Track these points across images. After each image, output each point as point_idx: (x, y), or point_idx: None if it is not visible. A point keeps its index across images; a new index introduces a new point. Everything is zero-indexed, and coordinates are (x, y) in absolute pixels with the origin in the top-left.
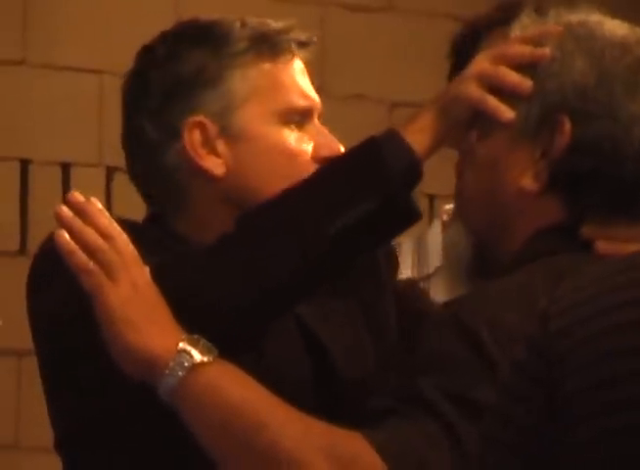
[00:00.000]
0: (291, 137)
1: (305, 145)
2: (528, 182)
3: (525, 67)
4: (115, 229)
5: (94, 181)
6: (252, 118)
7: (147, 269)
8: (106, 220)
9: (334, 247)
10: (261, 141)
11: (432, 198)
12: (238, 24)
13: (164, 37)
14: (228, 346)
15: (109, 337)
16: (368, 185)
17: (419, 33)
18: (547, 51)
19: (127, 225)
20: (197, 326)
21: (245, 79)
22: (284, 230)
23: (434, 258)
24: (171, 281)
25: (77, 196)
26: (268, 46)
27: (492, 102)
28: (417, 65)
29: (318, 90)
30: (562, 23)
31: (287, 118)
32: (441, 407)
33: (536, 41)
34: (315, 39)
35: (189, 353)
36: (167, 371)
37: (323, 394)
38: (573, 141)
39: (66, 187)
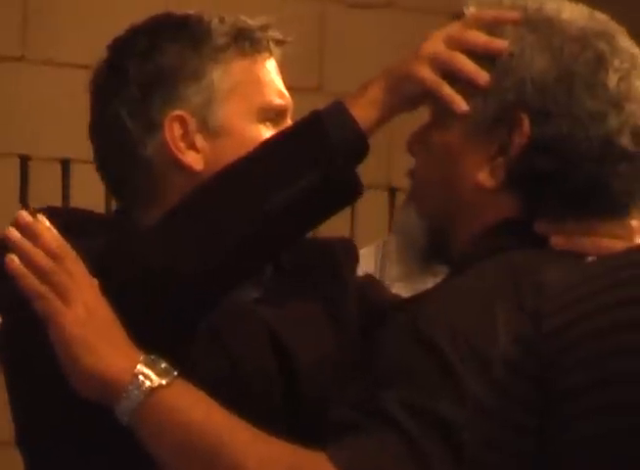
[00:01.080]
0: (267, 135)
1: None
2: (485, 178)
3: (481, 56)
4: (64, 249)
5: (93, 177)
6: (232, 114)
7: (97, 287)
8: (54, 240)
9: (273, 221)
10: (240, 137)
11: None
12: (216, 20)
13: (140, 30)
14: (175, 322)
15: (65, 360)
16: (308, 159)
17: (418, 30)
18: (504, 44)
19: (94, 219)
20: (143, 298)
21: (225, 75)
22: (224, 205)
23: None
24: (119, 257)
25: (25, 216)
26: (248, 42)
27: (447, 90)
28: None
29: (317, 87)
30: (518, 8)
31: (264, 116)
32: (404, 423)
33: (492, 25)
34: (289, 38)
35: (147, 376)
36: (125, 394)
37: (289, 396)
38: (532, 140)
39: (65, 183)
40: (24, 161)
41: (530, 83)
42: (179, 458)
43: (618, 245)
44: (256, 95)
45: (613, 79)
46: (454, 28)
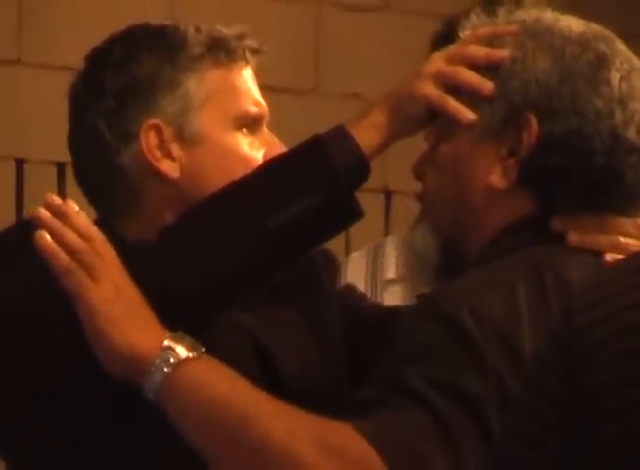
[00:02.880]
0: (244, 142)
1: (257, 151)
2: (497, 180)
3: (483, 67)
4: (94, 230)
5: None
6: (208, 123)
7: (124, 269)
8: (84, 222)
9: (273, 241)
10: (216, 145)
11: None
12: (192, 30)
13: (116, 40)
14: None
15: (93, 337)
16: (310, 182)
17: (414, 33)
18: (505, 53)
19: None
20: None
21: (200, 84)
22: (225, 223)
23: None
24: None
25: (55, 198)
26: (224, 52)
27: (452, 103)
28: (412, 64)
29: (313, 88)
30: (515, 22)
31: (240, 124)
32: (429, 396)
33: (490, 41)
34: (265, 47)
35: (174, 350)
36: (153, 368)
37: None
38: (542, 138)
39: (61, 186)
40: (20, 164)
41: (535, 84)
42: (206, 431)
43: (631, 242)
44: (232, 103)
45: (615, 78)
46: (453, 47)
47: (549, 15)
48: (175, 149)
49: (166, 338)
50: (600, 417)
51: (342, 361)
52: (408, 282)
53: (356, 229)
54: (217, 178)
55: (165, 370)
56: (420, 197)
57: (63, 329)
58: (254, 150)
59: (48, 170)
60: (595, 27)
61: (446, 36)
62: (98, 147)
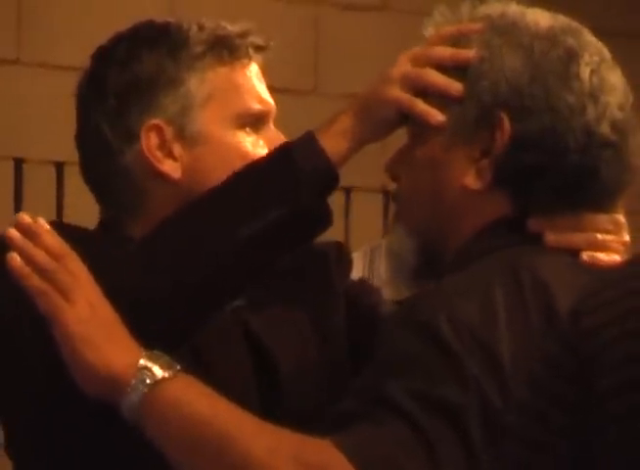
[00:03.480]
0: (247, 141)
1: (260, 149)
2: (471, 181)
3: (450, 68)
4: (65, 249)
5: None
6: (209, 122)
7: (97, 286)
8: (55, 241)
9: (244, 250)
10: (218, 144)
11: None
12: (195, 28)
13: (121, 39)
14: (158, 340)
15: (69, 357)
16: (276, 191)
17: (412, 33)
18: (472, 52)
19: (75, 232)
20: (128, 321)
21: (202, 82)
22: (197, 231)
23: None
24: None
25: (25, 218)
26: (226, 50)
27: (421, 106)
28: None
29: (312, 89)
30: (480, 18)
31: (243, 122)
32: (408, 408)
33: (455, 39)
34: (271, 43)
35: (150, 370)
36: (129, 389)
37: (268, 397)
38: (515, 137)
39: (60, 186)
40: (19, 164)
41: (505, 83)
42: (186, 451)
43: (609, 239)
44: (234, 101)
45: (585, 72)
46: (418, 49)
47: (514, 8)
48: (177, 149)
49: (142, 357)
50: (609, 419)
51: (344, 361)
52: (389, 284)
53: (355, 229)
54: (219, 177)
55: (142, 391)
56: (395, 197)
57: (37, 350)
58: (258, 148)
59: (47, 170)
60: (562, 20)
61: None
62: (102, 147)
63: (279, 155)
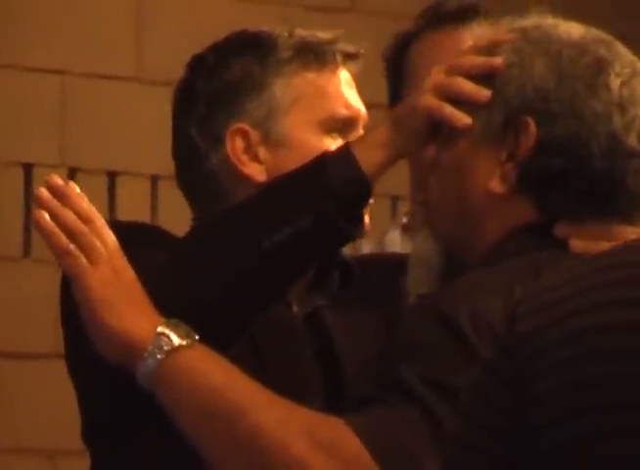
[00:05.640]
0: (332, 146)
1: None
2: (496, 184)
3: (480, 76)
4: (95, 213)
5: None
6: (295, 126)
7: (122, 253)
8: (85, 204)
9: (269, 260)
10: (303, 148)
11: (394, 199)
12: (286, 34)
13: (214, 47)
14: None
15: (88, 320)
16: (305, 201)
17: (382, 35)
18: (500, 59)
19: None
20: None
21: (288, 87)
22: (224, 241)
23: None
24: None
25: (57, 179)
26: (314, 55)
27: (448, 109)
28: (379, 66)
29: None
30: (515, 30)
31: (329, 127)
32: (422, 394)
33: (489, 50)
34: (362, 51)
35: (168, 337)
36: (146, 354)
37: (332, 399)
38: (540, 142)
39: (28, 188)
40: None
41: (532, 88)
42: (197, 420)
43: None
44: (320, 107)
45: (615, 83)
46: (452, 60)
47: (549, 21)
48: (262, 152)
49: (161, 324)
50: (540, 425)
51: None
52: (414, 292)
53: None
54: None
55: (158, 357)
56: (424, 204)
57: None
58: None
59: (15, 172)
60: (595, 32)
61: (397, 48)
62: (191, 153)
63: (313, 165)
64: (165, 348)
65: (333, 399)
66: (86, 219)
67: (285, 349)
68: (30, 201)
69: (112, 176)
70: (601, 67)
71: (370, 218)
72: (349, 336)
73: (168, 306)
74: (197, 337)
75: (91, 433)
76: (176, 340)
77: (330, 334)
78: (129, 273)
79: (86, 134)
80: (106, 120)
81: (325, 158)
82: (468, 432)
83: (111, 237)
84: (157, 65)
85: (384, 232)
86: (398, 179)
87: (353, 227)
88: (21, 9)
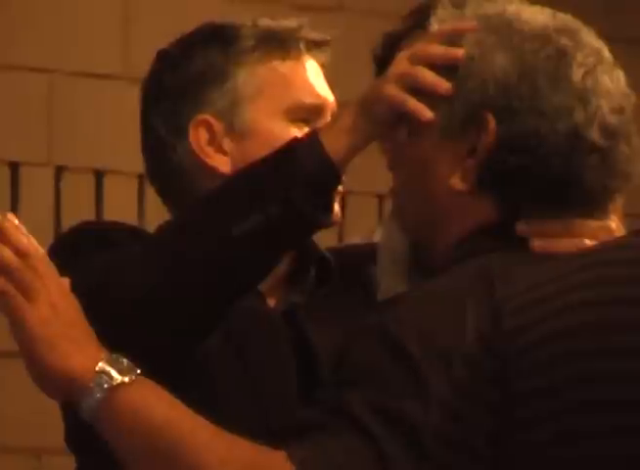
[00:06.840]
0: (297, 134)
1: None
2: (457, 182)
3: (444, 66)
4: (32, 246)
5: (43, 180)
6: (259, 115)
7: (66, 284)
8: (22, 237)
9: (238, 249)
10: (268, 138)
11: (381, 198)
12: (249, 24)
13: (179, 40)
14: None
15: (28, 359)
16: (274, 189)
17: (369, 34)
18: (461, 51)
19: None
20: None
21: (251, 77)
22: (195, 230)
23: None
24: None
25: None
26: (277, 44)
27: (412, 102)
28: (368, 65)
29: None
30: (479, 16)
31: (294, 116)
32: (367, 422)
33: (451, 39)
34: (328, 38)
35: (108, 374)
36: (87, 392)
37: (308, 395)
38: (499, 139)
39: (14, 186)
40: None
41: (493, 83)
42: (140, 457)
43: None
44: (284, 95)
45: (577, 73)
46: (416, 46)
47: (513, 7)
48: (227, 143)
49: (101, 360)
50: (526, 422)
51: None
52: (382, 279)
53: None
54: None
55: (98, 396)
56: (391, 192)
57: None
58: None
59: (1, 171)
60: (561, 19)
61: (386, 46)
62: (157, 146)
63: (282, 152)
64: (105, 386)
65: (307, 396)
66: (23, 254)
67: (266, 345)
68: (17, 200)
69: (99, 175)
70: (562, 57)
71: (356, 217)
72: (324, 335)
73: (144, 297)
74: (138, 371)
75: (73, 436)
76: (117, 377)
77: (305, 332)
78: (69, 309)
79: (73, 133)
80: (93, 119)
81: (293, 145)
82: (453, 429)
83: (50, 271)
84: (143, 63)
85: (371, 231)
86: (384, 178)
87: (322, 214)
88: (6, 7)
